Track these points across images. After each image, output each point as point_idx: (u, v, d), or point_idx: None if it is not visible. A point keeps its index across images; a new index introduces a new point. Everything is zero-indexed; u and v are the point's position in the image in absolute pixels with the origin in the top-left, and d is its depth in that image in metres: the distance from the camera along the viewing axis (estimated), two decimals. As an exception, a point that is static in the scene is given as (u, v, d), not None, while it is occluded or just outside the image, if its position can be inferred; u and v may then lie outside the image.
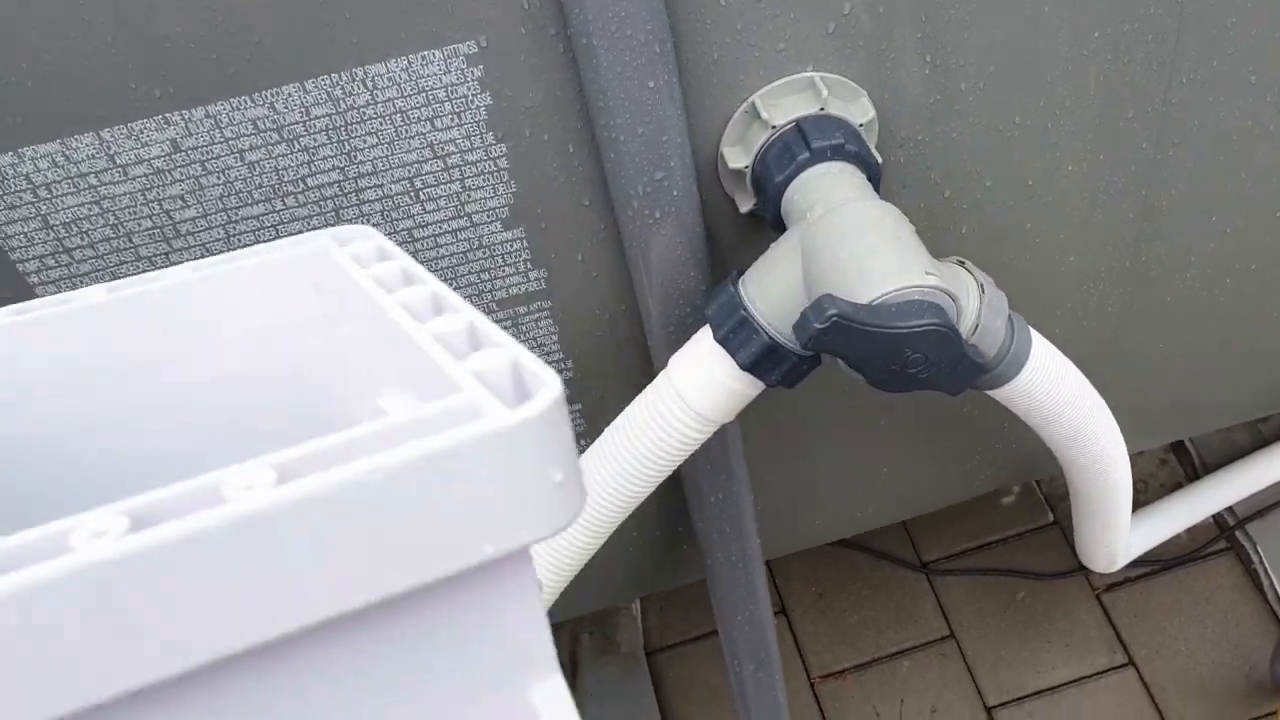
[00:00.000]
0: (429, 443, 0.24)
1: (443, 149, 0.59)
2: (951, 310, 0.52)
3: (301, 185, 0.59)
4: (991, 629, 1.40)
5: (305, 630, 0.24)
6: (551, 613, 0.60)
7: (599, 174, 0.62)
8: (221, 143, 0.56)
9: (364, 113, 0.56)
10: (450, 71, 0.56)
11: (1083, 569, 1.40)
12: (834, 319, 0.48)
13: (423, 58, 0.55)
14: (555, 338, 0.70)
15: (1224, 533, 1.40)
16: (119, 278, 0.61)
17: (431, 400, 0.26)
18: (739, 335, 0.57)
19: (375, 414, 0.36)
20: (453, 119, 0.58)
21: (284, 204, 0.60)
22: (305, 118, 0.56)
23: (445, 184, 0.61)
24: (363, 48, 0.54)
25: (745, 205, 0.64)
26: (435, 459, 0.23)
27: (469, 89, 0.56)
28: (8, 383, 0.36)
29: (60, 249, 0.58)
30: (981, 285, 0.57)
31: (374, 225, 0.62)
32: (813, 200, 0.56)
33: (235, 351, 0.39)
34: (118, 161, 0.55)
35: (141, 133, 0.54)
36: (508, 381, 0.27)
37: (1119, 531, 0.89)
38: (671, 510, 0.89)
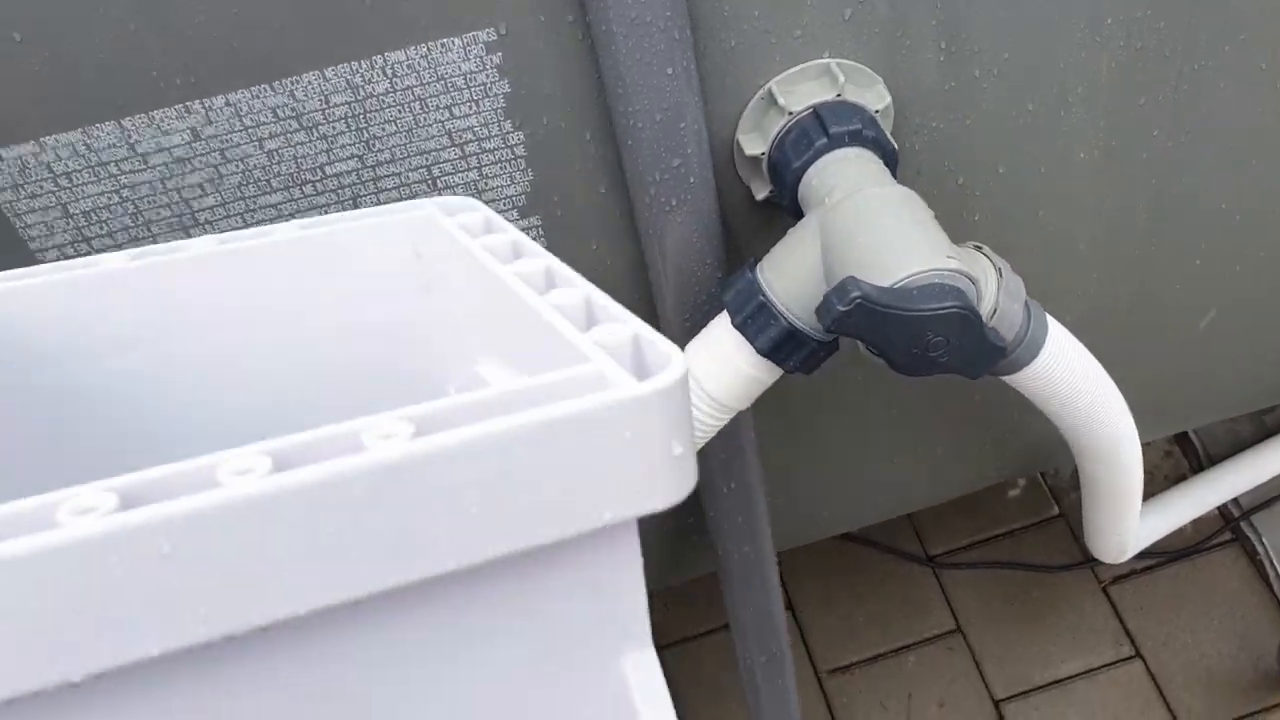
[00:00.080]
0: (564, 405, 0.24)
1: (461, 137, 0.59)
2: (972, 294, 0.52)
3: (320, 173, 0.59)
4: (998, 622, 1.40)
5: (428, 581, 0.24)
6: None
7: (615, 162, 0.62)
8: (241, 131, 0.56)
9: (383, 100, 0.56)
10: (469, 59, 0.56)
11: (1089, 562, 1.40)
12: (857, 301, 0.48)
13: (442, 45, 0.55)
14: (570, 327, 0.70)
15: (1229, 524, 1.41)
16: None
17: (547, 370, 0.26)
18: (757, 320, 0.58)
19: (471, 382, 0.37)
20: (471, 107, 0.58)
21: (301, 192, 0.60)
22: (325, 105, 0.56)
23: (463, 172, 0.61)
24: (383, 35, 0.54)
25: (761, 192, 0.64)
26: (569, 422, 0.24)
27: (488, 77, 0.57)
28: (122, 323, 0.37)
29: (80, 238, 0.59)
30: (999, 270, 0.57)
31: (391, 214, 0.62)
32: (831, 185, 0.56)
33: (333, 309, 0.40)
34: (138, 150, 0.56)
35: (162, 121, 0.55)
36: (628, 354, 0.28)
37: (1129, 521, 0.90)
38: (681, 504, 0.89)
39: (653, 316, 0.71)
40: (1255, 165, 0.74)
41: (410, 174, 0.60)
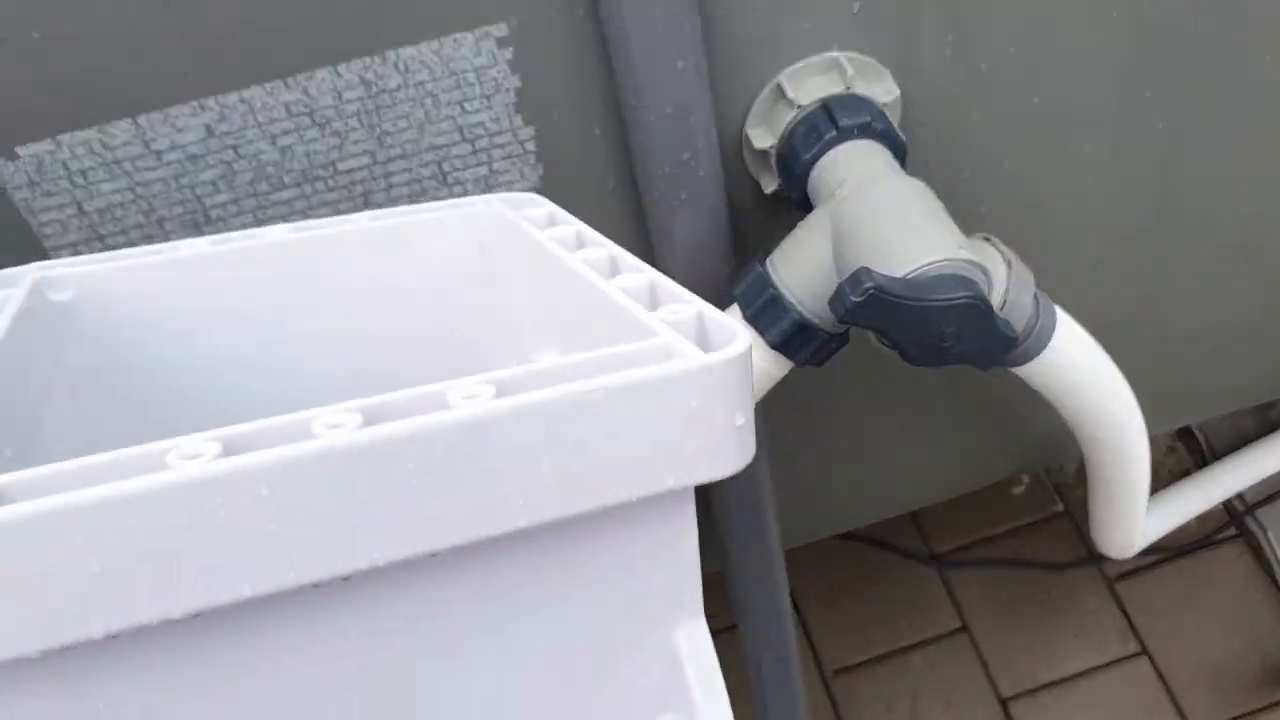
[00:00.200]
0: (634, 373, 0.26)
1: (472, 132, 0.59)
2: (983, 284, 0.53)
3: (332, 170, 0.59)
4: (1004, 620, 1.40)
5: (499, 540, 0.25)
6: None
7: (624, 157, 0.62)
8: (254, 127, 0.56)
9: (395, 96, 0.57)
10: (481, 54, 0.56)
11: (1094, 559, 1.40)
12: (871, 292, 0.48)
13: (454, 40, 0.55)
14: (580, 323, 0.71)
15: (1234, 519, 1.41)
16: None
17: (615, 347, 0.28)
18: (768, 313, 0.58)
19: None
20: (482, 102, 0.58)
21: (313, 188, 0.60)
22: (337, 101, 0.56)
23: (473, 167, 0.61)
24: (396, 31, 0.54)
25: (769, 186, 0.64)
26: (638, 389, 0.25)
27: (499, 72, 0.57)
28: (205, 305, 0.40)
29: (94, 235, 0.59)
30: (1009, 261, 0.58)
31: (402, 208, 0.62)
32: (842, 177, 0.56)
33: (400, 297, 0.43)
34: (152, 147, 0.56)
35: (177, 118, 0.55)
36: (693, 330, 0.29)
37: (1136, 515, 0.90)
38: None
39: (662, 312, 0.71)
40: (1260, 158, 0.74)
41: (421, 169, 0.61)
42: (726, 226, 0.64)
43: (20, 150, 0.55)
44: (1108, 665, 1.36)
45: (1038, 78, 0.65)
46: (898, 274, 0.50)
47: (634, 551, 0.29)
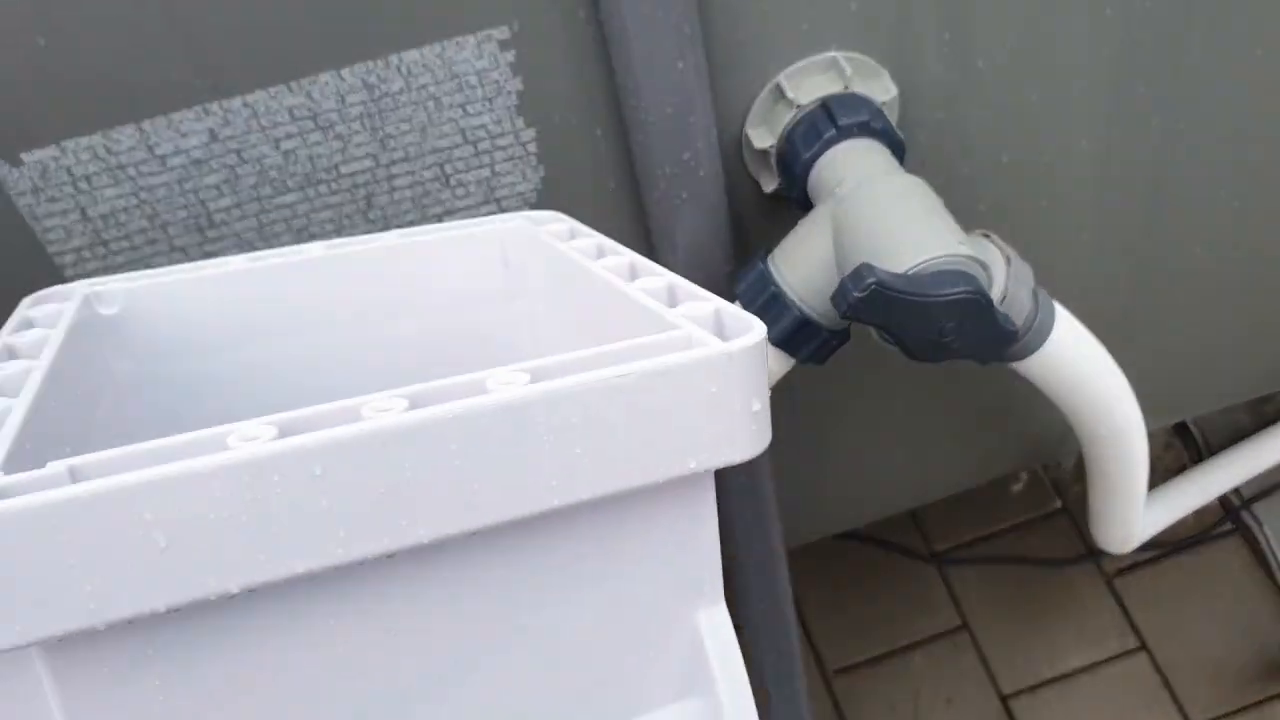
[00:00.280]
0: (658, 360, 0.27)
1: (474, 134, 0.60)
2: (983, 279, 0.53)
3: (335, 173, 0.60)
4: (1004, 617, 1.41)
5: (532, 520, 0.27)
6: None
7: (625, 158, 0.63)
8: (258, 132, 0.57)
9: (398, 99, 0.57)
10: (483, 57, 0.56)
11: (1093, 555, 1.41)
12: (873, 287, 0.49)
13: (456, 43, 0.56)
14: (582, 323, 0.71)
15: (1230, 514, 1.42)
16: (153, 269, 0.62)
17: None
18: (770, 311, 0.58)
19: None
20: (484, 104, 0.59)
21: (316, 192, 0.60)
22: (340, 105, 0.57)
23: (475, 169, 0.61)
24: (399, 35, 0.54)
25: (769, 186, 0.65)
26: (662, 374, 0.27)
27: (500, 74, 0.57)
28: (240, 320, 0.42)
29: (97, 240, 0.59)
30: (1008, 257, 0.58)
31: (404, 210, 0.62)
32: (842, 175, 0.57)
33: (427, 310, 0.46)
34: (156, 152, 0.56)
35: (181, 123, 0.55)
36: (711, 324, 0.31)
37: (1135, 509, 0.90)
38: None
39: (663, 311, 0.71)
40: (1252, 153, 0.75)
41: (424, 172, 0.61)
42: (727, 226, 0.65)
43: (25, 156, 0.55)
44: (1107, 661, 1.36)
45: (1033, 75, 0.65)
46: (899, 270, 0.51)
47: (658, 534, 0.30)
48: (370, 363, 0.44)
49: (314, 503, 0.24)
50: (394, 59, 0.55)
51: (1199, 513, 1.34)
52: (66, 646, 0.25)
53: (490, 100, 0.58)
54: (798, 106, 0.60)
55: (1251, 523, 1.41)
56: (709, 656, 0.30)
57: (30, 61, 0.51)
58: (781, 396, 0.69)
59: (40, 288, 0.60)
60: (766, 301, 0.58)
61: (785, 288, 0.58)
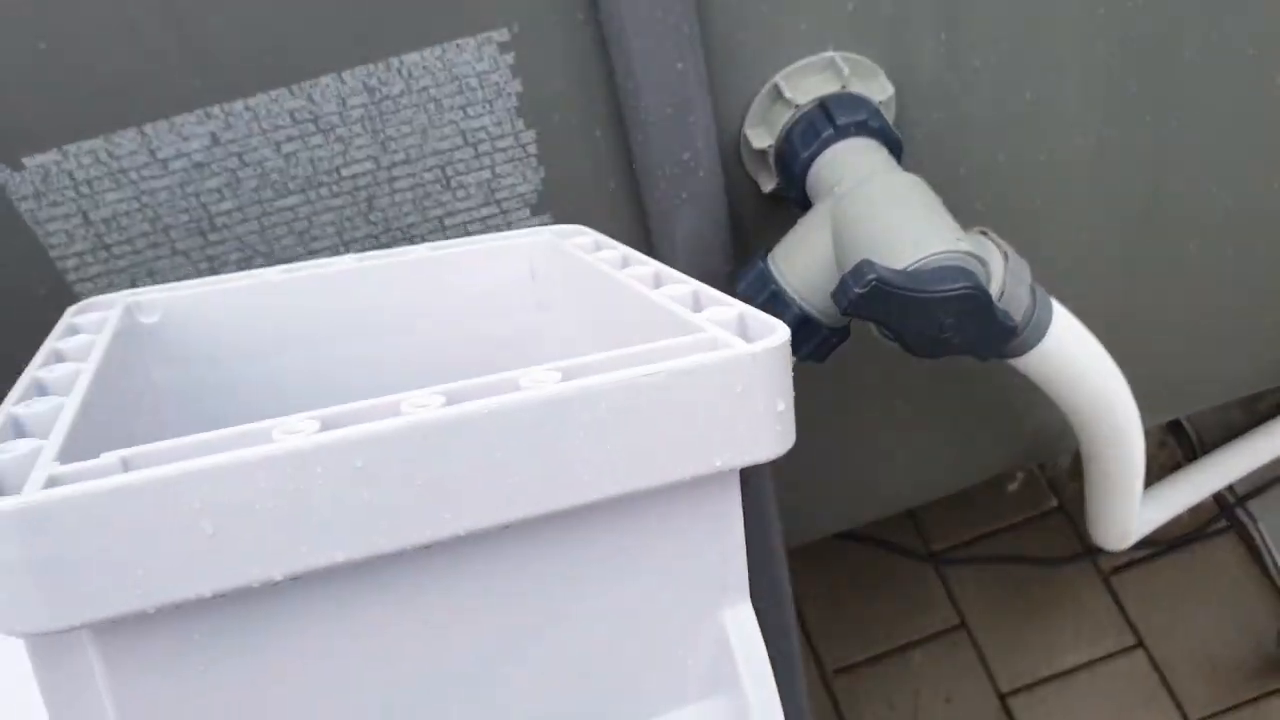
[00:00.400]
0: (687, 360, 0.28)
1: (474, 136, 0.60)
2: (982, 275, 0.54)
3: (335, 175, 0.60)
4: (1002, 616, 1.41)
5: (569, 511, 0.28)
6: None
7: (624, 158, 0.63)
8: (259, 135, 0.57)
9: (398, 102, 0.57)
10: (483, 59, 0.57)
11: (1089, 553, 1.42)
12: (873, 283, 0.49)
13: (457, 46, 0.56)
14: (582, 324, 0.71)
15: (1224, 511, 1.43)
16: (155, 273, 0.62)
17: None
18: (771, 309, 0.59)
19: None
20: (484, 106, 0.59)
21: (318, 194, 0.61)
22: (341, 108, 0.57)
23: (476, 171, 0.62)
24: (399, 37, 0.55)
25: (768, 185, 0.65)
26: (690, 373, 0.28)
27: (500, 76, 0.58)
28: (277, 329, 0.43)
29: (99, 245, 0.59)
30: (1005, 254, 0.59)
31: (405, 212, 0.63)
32: (841, 174, 0.57)
33: (457, 322, 0.48)
34: (158, 156, 0.56)
35: (183, 126, 0.55)
36: (735, 327, 0.32)
37: (1132, 505, 0.91)
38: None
39: (663, 312, 0.72)
40: (1245, 151, 0.76)
41: (425, 174, 0.61)
42: (726, 225, 0.65)
43: (26, 160, 0.55)
44: (1105, 658, 1.37)
45: (1028, 75, 0.66)
46: (899, 266, 0.51)
47: (685, 532, 0.31)
48: (400, 370, 0.45)
49: (355, 494, 0.25)
50: (395, 61, 0.56)
51: (1194, 510, 1.35)
52: (116, 630, 0.26)
53: (490, 102, 0.59)
54: (796, 106, 0.60)
55: (1246, 520, 1.42)
56: (735, 654, 0.31)
57: (32, 65, 0.51)
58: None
59: (42, 293, 0.61)
60: (767, 300, 0.59)
61: (785, 286, 0.58)
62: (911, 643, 1.41)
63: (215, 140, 0.57)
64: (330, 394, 0.43)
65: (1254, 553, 1.42)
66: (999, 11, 0.62)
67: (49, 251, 0.59)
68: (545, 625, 0.30)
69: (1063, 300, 0.63)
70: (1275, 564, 1.39)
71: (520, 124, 0.60)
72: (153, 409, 0.41)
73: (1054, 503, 1.48)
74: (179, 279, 0.62)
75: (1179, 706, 1.33)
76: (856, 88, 0.61)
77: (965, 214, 0.73)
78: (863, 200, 0.55)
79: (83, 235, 0.59)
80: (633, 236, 0.67)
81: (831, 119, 0.59)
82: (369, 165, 0.60)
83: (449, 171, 0.61)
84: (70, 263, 0.60)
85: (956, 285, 0.51)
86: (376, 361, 0.45)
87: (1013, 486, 1.50)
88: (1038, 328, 0.61)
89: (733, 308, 0.33)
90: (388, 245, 0.64)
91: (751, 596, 1.02)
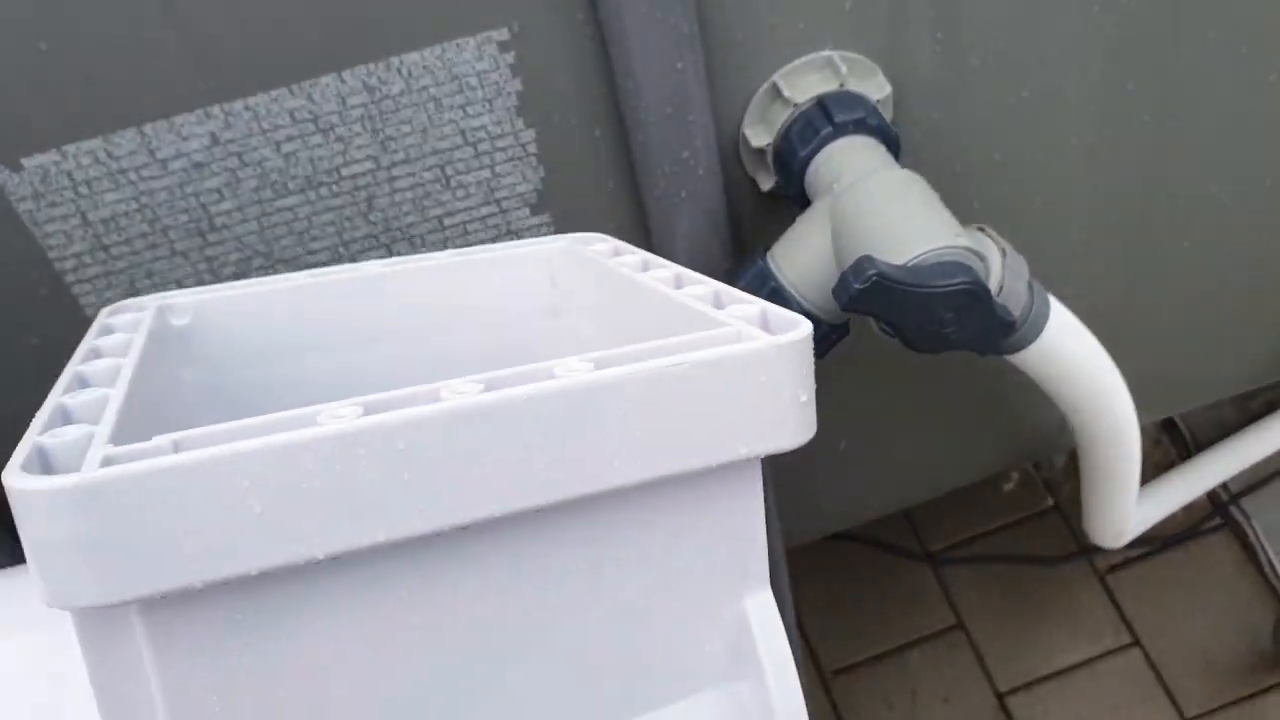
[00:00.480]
0: (712, 351, 0.29)
1: (474, 135, 0.60)
2: (981, 271, 0.54)
3: (335, 175, 0.60)
4: (999, 616, 1.41)
5: (599, 496, 0.29)
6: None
7: (623, 157, 0.63)
8: (259, 134, 0.57)
9: (398, 101, 0.58)
10: (483, 58, 0.57)
11: (1085, 552, 1.42)
12: (874, 279, 0.49)
13: (457, 45, 0.56)
14: (581, 324, 0.72)
15: (1219, 509, 1.43)
16: (153, 275, 0.62)
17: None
18: (770, 307, 0.59)
19: None
20: (484, 106, 0.59)
21: (317, 194, 0.61)
22: (341, 108, 0.57)
23: (475, 170, 0.62)
24: (400, 37, 0.55)
25: (766, 184, 0.66)
26: (715, 364, 0.29)
27: (500, 75, 0.58)
28: (304, 332, 0.44)
29: (98, 245, 0.59)
30: (1003, 250, 0.59)
31: (405, 212, 0.63)
32: (839, 171, 0.57)
33: (478, 326, 0.48)
34: (158, 156, 0.56)
35: (182, 126, 0.55)
36: (759, 322, 0.33)
37: (1129, 502, 0.91)
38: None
39: (662, 311, 0.72)
40: (1240, 148, 0.76)
41: (424, 173, 0.61)
42: (725, 224, 0.65)
43: (25, 161, 0.55)
44: (1101, 656, 1.37)
45: (1025, 73, 0.66)
46: (899, 261, 0.52)
47: (709, 519, 0.32)
48: (423, 373, 0.47)
49: (396, 476, 0.26)
50: (395, 61, 0.56)
51: (1188, 509, 1.35)
52: (162, 609, 0.27)
53: (490, 101, 0.59)
54: (794, 105, 0.60)
55: (1240, 518, 1.43)
56: (756, 640, 0.32)
57: (31, 66, 0.51)
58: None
59: (40, 294, 0.60)
60: (766, 297, 0.59)
61: (785, 283, 0.58)
62: (909, 643, 1.41)
63: (215, 140, 0.57)
64: (355, 396, 0.44)
65: (1248, 550, 1.42)
66: (995, 10, 0.62)
67: (47, 253, 0.59)
68: (573, 609, 0.31)
69: (1059, 297, 0.63)
70: (1269, 561, 1.39)
71: (520, 123, 0.60)
72: (181, 410, 0.42)
73: (1050, 502, 1.49)
74: (178, 280, 0.63)
75: (1175, 704, 1.33)
76: (854, 86, 0.61)
77: (962, 211, 0.73)
78: (861, 197, 0.55)
79: (81, 236, 0.58)
80: (632, 235, 0.68)
81: (830, 117, 0.59)
82: (369, 165, 0.60)
83: (449, 171, 0.62)
84: (69, 263, 0.60)
85: (956, 280, 0.51)
86: (400, 364, 0.46)
87: (1009, 486, 1.51)
88: (1035, 323, 0.61)
89: (755, 305, 0.34)
90: (387, 245, 0.64)
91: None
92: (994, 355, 0.63)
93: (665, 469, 0.29)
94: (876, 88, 0.62)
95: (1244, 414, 1.40)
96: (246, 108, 0.56)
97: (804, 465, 0.93)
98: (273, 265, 0.63)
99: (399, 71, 0.56)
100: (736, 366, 0.30)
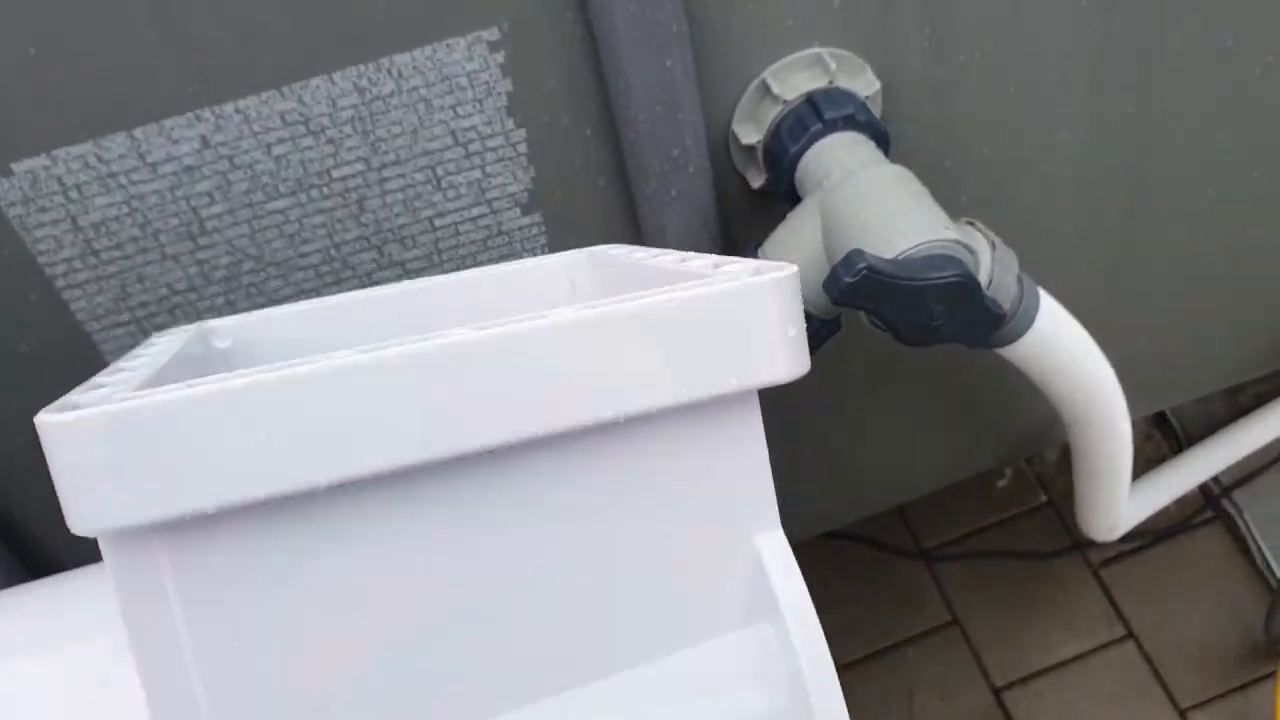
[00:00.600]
0: (706, 288, 0.32)
1: (464, 136, 0.60)
2: (970, 264, 0.54)
3: (326, 177, 0.60)
4: (994, 611, 1.42)
5: (596, 431, 0.31)
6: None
7: (614, 156, 0.63)
8: (250, 137, 0.57)
9: (389, 102, 0.58)
10: (473, 59, 0.57)
11: (1078, 547, 1.43)
12: (864, 272, 0.50)
13: (447, 45, 0.56)
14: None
15: (1210, 502, 1.44)
16: (144, 279, 0.62)
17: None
18: (763, 303, 0.59)
19: None
20: (475, 106, 0.59)
21: (308, 196, 0.61)
22: (332, 109, 0.57)
23: (466, 171, 0.62)
24: (390, 38, 0.55)
25: (756, 181, 0.66)
26: (708, 299, 0.31)
27: (490, 76, 0.58)
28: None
29: (88, 250, 0.59)
30: (993, 243, 0.59)
31: (396, 214, 0.63)
32: (829, 167, 0.58)
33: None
34: (148, 160, 0.56)
35: (172, 130, 0.55)
36: (751, 272, 0.34)
37: (1121, 496, 0.92)
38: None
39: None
40: (1229, 142, 0.77)
41: (415, 175, 0.61)
42: (716, 221, 0.66)
43: (14, 166, 0.55)
44: (1096, 650, 1.38)
45: (1013, 69, 0.67)
46: (889, 255, 0.52)
47: (709, 453, 0.33)
48: None
49: (397, 403, 0.29)
50: (385, 62, 0.56)
51: (1180, 502, 1.36)
52: (183, 532, 0.29)
53: (480, 102, 0.59)
54: (784, 102, 0.61)
55: (1232, 510, 1.43)
56: (771, 580, 0.32)
57: (20, 69, 0.51)
58: (767, 395, 0.70)
59: (31, 298, 0.60)
60: (759, 294, 0.59)
61: (777, 279, 0.59)
62: (905, 640, 1.41)
63: (205, 143, 0.57)
64: None
65: (1240, 542, 1.43)
66: (983, 6, 0.63)
67: (37, 258, 0.59)
68: (585, 544, 0.33)
69: (1048, 290, 0.64)
70: (1261, 552, 1.40)
71: (510, 123, 0.60)
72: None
73: (1043, 498, 1.49)
74: (168, 284, 0.63)
75: (1170, 696, 1.34)
76: (843, 83, 0.61)
77: (952, 206, 0.73)
78: (851, 192, 0.56)
79: (71, 241, 0.58)
80: (623, 234, 0.68)
81: (819, 114, 0.59)
82: (360, 167, 0.60)
83: (439, 172, 0.62)
84: (59, 269, 0.59)
85: (946, 273, 0.51)
86: None
87: (1002, 483, 1.51)
88: (1025, 316, 0.62)
89: (749, 262, 0.36)
90: (378, 247, 0.64)
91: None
92: (984, 349, 0.63)
93: (662, 400, 0.31)
94: (865, 84, 0.63)
95: (1233, 408, 1.40)
96: (237, 110, 0.56)
97: (795, 464, 0.93)
98: (264, 268, 0.63)
99: (389, 72, 0.56)
100: (728, 301, 0.31)
